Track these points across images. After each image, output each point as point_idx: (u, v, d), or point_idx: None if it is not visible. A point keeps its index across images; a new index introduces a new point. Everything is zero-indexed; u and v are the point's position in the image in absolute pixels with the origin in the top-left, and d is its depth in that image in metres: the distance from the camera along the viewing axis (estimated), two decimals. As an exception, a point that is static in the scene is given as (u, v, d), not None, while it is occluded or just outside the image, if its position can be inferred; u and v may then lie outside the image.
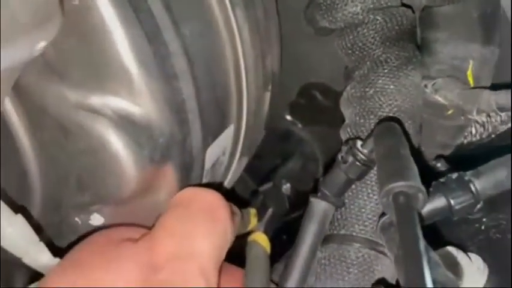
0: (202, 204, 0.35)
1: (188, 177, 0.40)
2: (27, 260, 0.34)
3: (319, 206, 0.38)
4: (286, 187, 0.54)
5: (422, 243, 0.26)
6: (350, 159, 0.37)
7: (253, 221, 0.44)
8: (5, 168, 0.38)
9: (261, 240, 0.42)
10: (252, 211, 0.44)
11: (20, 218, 0.34)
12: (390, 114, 0.41)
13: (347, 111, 0.44)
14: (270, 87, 0.50)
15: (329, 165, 0.40)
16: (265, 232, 0.43)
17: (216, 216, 0.35)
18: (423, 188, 0.29)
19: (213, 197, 0.36)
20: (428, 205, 0.32)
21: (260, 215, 0.45)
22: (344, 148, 0.38)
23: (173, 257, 0.32)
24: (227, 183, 0.51)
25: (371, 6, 0.42)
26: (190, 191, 0.37)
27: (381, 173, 0.31)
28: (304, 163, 0.63)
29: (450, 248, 0.37)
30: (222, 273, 0.34)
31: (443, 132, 0.47)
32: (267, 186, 0.52)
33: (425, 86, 0.44)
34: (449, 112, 0.44)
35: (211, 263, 0.33)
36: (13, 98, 0.36)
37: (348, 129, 0.42)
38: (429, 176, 0.34)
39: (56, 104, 0.34)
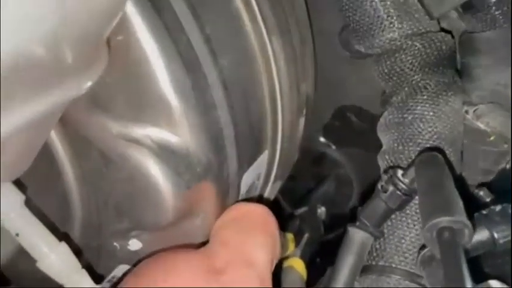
0: (255, 218, 0.37)
1: (224, 203, 0.40)
2: (69, 286, 0.35)
3: (357, 236, 0.38)
4: (321, 211, 0.54)
5: (468, 282, 0.25)
6: (391, 188, 0.36)
7: (291, 246, 0.44)
8: (48, 194, 0.39)
9: (297, 265, 0.41)
10: (290, 236, 0.44)
11: (63, 246, 0.35)
12: (430, 142, 0.40)
13: (384, 137, 0.43)
14: (304, 112, 0.50)
15: (367, 193, 0.40)
16: (302, 258, 0.43)
17: (268, 229, 0.37)
18: (469, 223, 0.28)
19: (264, 211, 0.38)
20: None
21: (296, 240, 0.45)
22: (384, 177, 0.37)
23: (233, 263, 0.34)
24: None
25: (409, 32, 0.41)
26: (242, 206, 0.39)
27: (424, 206, 0.30)
28: (338, 186, 0.63)
29: (493, 282, 0.36)
30: None
31: (485, 158, 0.45)
32: (302, 210, 0.52)
33: (466, 112, 0.43)
34: (491, 138, 0.43)
35: (266, 272, 0.34)
36: (58, 127, 0.37)
37: (387, 156, 0.41)
38: (471, 205, 0.33)
39: (99, 134, 0.35)
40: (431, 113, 0.40)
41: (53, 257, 0.34)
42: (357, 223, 0.38)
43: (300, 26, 0.47)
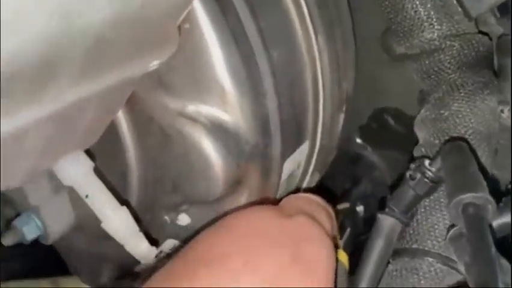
0: (317, 201, 0.40)
1: (266, 185, 0.44)
2: (128, 248, 0.39)
3: (386, 222, 0.39)
4: (360, 209, 0.55)
5: (493, 250, 0.27)
6: (418, 176, 0.38)
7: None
8: (110, 166, 0.44)
9: (341, 257, 0.43)
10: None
11: (124, 210, 0.39)
12: (466, 136, 0.42)
13: (421, 133, 0.46)
14: (344, 109, 0.53)
15: (396, 184, 0.41)
16: (345, 250, 0.43)
17: (330, 211, 0.39)
18: (492, 199, 0.30)
19: (322, 199, 0.40)
20: (499, 219, 0.33)
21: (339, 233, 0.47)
22: (412, 166, 0.39)
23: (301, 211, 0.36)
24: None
25: (448, 33, 0.44)
26: (301, 194, 0.42)
27: (450, 185, 0.33)
28: (374, 188, 0.64)
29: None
30: None
31: (520, 157, 0.46)
32: (343, 206, 0.53)
33: (502, 111, 0.44)
34: (526, 138, 0.44)
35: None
36: (124, 107, 0.42)
37: (422, 149, 0.43)
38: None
39: (160, 111, 0.40)
40: (467, 110, 0.42)
41: (117, 218, 0.38)
42: (386, 209, 0.40)
43: (343, 27, 0.51)
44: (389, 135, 0.61)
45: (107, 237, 0.41)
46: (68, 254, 0.58)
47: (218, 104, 0.39)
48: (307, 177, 0.52)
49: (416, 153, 0.45)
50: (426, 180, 0.38)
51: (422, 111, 0.46)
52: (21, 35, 0.22)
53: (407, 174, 0.39)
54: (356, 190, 0.60)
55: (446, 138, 0.42)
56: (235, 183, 0.41)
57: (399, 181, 0.41)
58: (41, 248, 0.53)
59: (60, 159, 0.37)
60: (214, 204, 0.42)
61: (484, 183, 0.31)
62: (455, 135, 0.43)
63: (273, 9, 0.43)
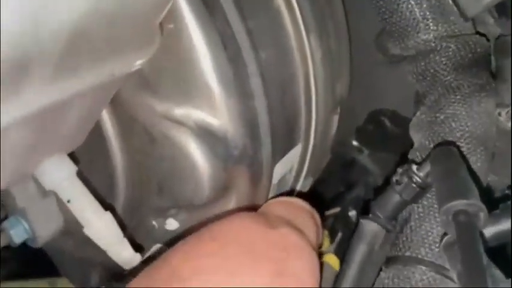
0: (302, 206, 0.38)
1: (256, 189, 0.42)
2: (111, 254, 0.38)
3: (369, 227, 0.38)
4: (352, 214, 0.54)
5: (484, 259, 0.26)
6: (405, 180, 0.36)
7: (326, 242, 0.44)
8: (95, 168, 0.43)
9: (332, 262, 0.42)
10: (325, 232, 0.45)
11: (108, 215, 0.38)
12: (461, 140, 0.40)
13: (416, 136, 0.44)
14: (338, 111, 0.52)
15: (381, 188, 0.40)
16: (336, 254, 0.43)
17: (315, 217, 0.38)
18: (483, 206, 0.29)
19: (308, 204, 0.39)
20: (494, 227, 0.31)
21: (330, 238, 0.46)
22: (399, 170, 0.38)
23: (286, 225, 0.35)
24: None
25: (444, 33, 0.43)
26: (285, 197, 0.40)
27: (440, 192, 0.31)
28: (367, 192, 0.63)
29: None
30: None
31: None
32: (334, 210, 0.52)
33: (499, 114, 0.43)
34: (525, 141, 0.43)
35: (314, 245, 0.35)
36: (109, 108, 0.41)
37: (417, 153, 0.42)
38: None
39: (146, 114, 0.39)
40: (463, 113, 0.41)
41: (99, 224, 0.37)
42: (370, 215, 0.38)
43: (338, 28, 0.49)
44: (385, 138, 0.60)
45: (94, 242, 0.40)
46: (57, 257, 0.58)
47: (205, 106, 0.38)
48: (301, 181, 0.51)
49: (411, 156, 0.44)
50: (413, 185, 0.36)
51: (418, 113, 0.45)
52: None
53: (393, 179, 0.38)
54: (348, 194, 0.59)
55: (442, 143, 0.41)
56: (223, 188, 0.40)
57: (385, 185, 0.40)
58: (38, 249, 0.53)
59: (43, 162, 0.37)
60: (202, 209, 0.41)
61: (475, 189, 0.29)
62: (450, 139, 0.41)
63: (263, 8, 0.42)
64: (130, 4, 0.29)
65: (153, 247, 0.44)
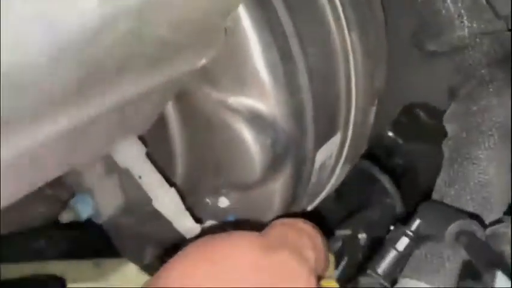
0: (305, 229, 0.38)
1: (300, 172, 0.47)
2: (176, 224, 0.43)
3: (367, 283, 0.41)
4: (362, 237, 0.54)
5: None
6: (400, 236, 0.40)
7: (331, 268, 0.43)
8: (157, 151, 0.48)
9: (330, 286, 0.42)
10: (331, 258, 0.44)
11: (173, 190, 0.43)
12: (493, 130, 0.44)
13: (450, 127, 0.48)
14: (376, 103, 0.56)
15: (374, 247, 0.43)
16: (339, 281, 0.42)
17: (317, 241, 0.37)
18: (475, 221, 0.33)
19: (312, 227, 0.38)
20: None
21: (336, 262, 0.45)
22: (393, 229, 0.41)
23: (286, 244, 0.34)
24: (330, 186, 0.57)
25: (478, 30, 0.46)
26: (289, 219, 0.39)
27: (436, 229, 0.36)
28: (381, 215, 0.61)
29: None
30: None
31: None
32: (344, 232, 0.53)
33: (528, 108, 0.46)
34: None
35: (315, 272, 0.34)
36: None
37: (450, 143, 0.46)
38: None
39: (205, 102, 0.44)
40: (496, 104, 0.44)
41: (166, 198, 0.42)
42: (368, 272, 0.41)
43: (376, 24, 0.53)
44: (420, 129, 0.63)
45: (151, 218, 0.45)
46: (115, 234, 0.63)
47: (257, 97, 0.42)
48: (339, 168, 0.55)
49: (445, 146, 0.47)
50: (406, 238, 0.40)
51: (452, 105, 0.48)
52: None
53: (388, 236, 0.41)
54: (360, 215, 0.58)
55: (475, 132, 0.44)
56: (271, 170, 0.44)
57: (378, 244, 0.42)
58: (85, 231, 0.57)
59: (118, 144, 0.42)
60: (251, 189, 0.45)
61: (464, 213, 0.34)
62: (483, 128, 0.44)
63: (309, 7, 0.46)
64: (206, 11, 0.34)
65: (207, 222, 0.49)
